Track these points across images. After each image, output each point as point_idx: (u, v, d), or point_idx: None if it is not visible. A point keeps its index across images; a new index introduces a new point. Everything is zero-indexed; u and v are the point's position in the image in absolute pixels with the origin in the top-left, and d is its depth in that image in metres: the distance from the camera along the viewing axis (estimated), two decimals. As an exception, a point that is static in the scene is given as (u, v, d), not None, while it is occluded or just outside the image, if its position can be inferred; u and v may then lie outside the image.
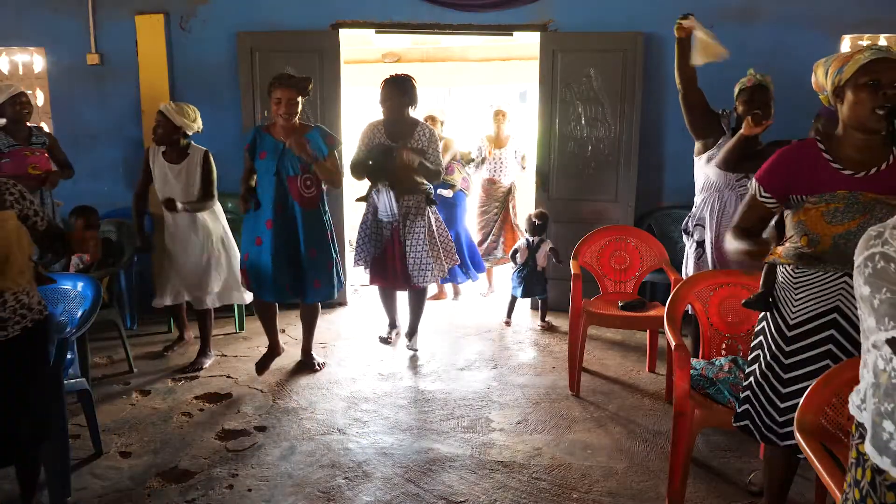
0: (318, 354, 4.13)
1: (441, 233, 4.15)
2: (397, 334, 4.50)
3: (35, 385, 2.24)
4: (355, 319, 5.05)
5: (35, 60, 5.12)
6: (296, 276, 3.77)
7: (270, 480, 2.83)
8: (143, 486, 2.77)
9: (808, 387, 1.88)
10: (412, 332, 4.37)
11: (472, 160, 5.61)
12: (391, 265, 4.05)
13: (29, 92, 4.32)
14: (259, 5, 4.97)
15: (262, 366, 3.92)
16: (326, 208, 3.86)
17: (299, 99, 3.65)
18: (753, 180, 2.20)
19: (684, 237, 3.68)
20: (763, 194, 2.16)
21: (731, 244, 2.23)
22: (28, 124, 4.22)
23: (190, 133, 3.98)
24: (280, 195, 3.67)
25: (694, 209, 3.60)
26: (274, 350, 4.01)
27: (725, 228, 3.46)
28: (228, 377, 3.90)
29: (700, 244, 3.56)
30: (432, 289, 5.16)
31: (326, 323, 4.91)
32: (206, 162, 3.98)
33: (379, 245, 4.07)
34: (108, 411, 3.44)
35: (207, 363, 4.09)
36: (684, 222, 3.67)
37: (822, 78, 2.08)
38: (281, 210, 3.68)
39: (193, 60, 5.06)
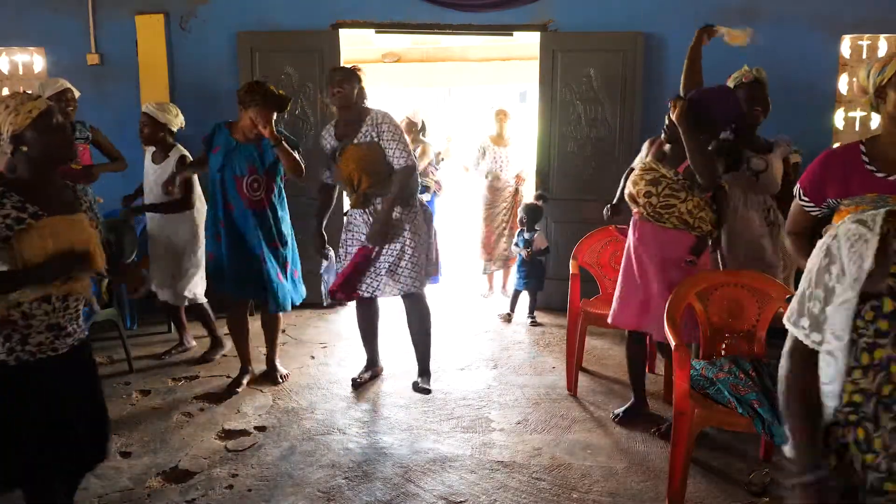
0: (317, 355, 4.13)
1: (427, 237, 3.65)
2: (372, 375, 3.83)
3: (98, 390, 2.33)
4: (355, 319, 5.02)
5: (35, 60, 5.13)
6: (254, 277, 3.52)
7: (270, 480, 2.83)
8: (143, 486, 2.77)
9: None
10: (423, 369, 3.72)
11: (443, 159, 5.69)
12: (365, 268, 3.52)
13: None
14: (259, 5, 4.97)
15: (234, 385, 3.70)
16: (280, 213, 3.58)
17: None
18: (798, 184, 2.21)
19: None
20: (802, 198, 2.18)
21: (790, 248, 2.29)
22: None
23: (174, 129, 3.98)
24: (228, 193, 3.48)
25: None
26: (245, 370, 3.81)
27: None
28: (228, 377, 3.89)
29: None
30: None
31: (326, 323, 4.91)
32: (181, 166, 3.88)
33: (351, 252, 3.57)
34: (109, 411, 3.43)
35: (218, 355, 4.15)
36: None
37: (863, 80, 2.06)
38: (230, 208, 3.49)
39: (193, 60, 5.06)
